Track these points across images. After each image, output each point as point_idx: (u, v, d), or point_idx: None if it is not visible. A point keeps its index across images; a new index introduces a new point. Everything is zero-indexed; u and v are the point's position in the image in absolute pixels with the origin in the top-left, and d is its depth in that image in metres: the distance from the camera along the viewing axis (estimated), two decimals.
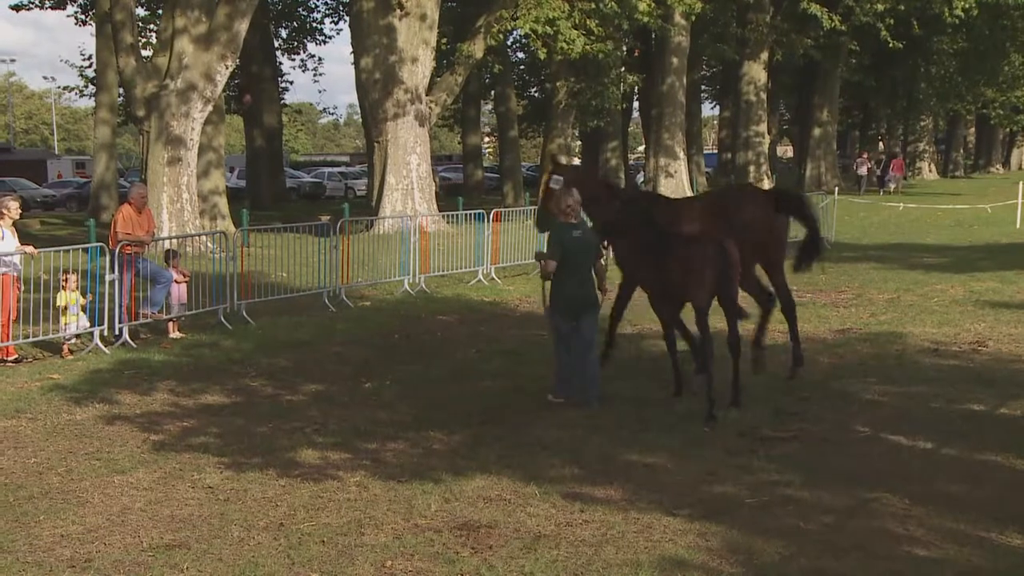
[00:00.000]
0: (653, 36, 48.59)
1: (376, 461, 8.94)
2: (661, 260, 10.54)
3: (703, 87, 68.66)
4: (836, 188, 40.16)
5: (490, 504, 7.82)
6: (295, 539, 7.17)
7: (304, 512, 7.72)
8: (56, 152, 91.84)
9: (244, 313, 16.41)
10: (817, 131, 56.46)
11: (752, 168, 51.93)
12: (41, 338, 13.90)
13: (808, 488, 8.03)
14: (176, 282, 15.33)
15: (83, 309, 14.06)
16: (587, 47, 33.63)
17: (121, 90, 35.12)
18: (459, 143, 72.37)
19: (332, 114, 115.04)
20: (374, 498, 8.00)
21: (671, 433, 9.60)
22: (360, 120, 41.54)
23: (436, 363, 12.92)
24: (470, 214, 22.05)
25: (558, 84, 45.10)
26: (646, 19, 35.62)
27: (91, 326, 14.09)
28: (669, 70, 45.72)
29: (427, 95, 32.34)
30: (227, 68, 26.21)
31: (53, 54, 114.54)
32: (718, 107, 76.52)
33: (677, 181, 44.75)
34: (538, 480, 8.28)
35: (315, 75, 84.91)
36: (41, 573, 6.63)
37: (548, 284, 10.93)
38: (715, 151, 78.18)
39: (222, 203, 31.19)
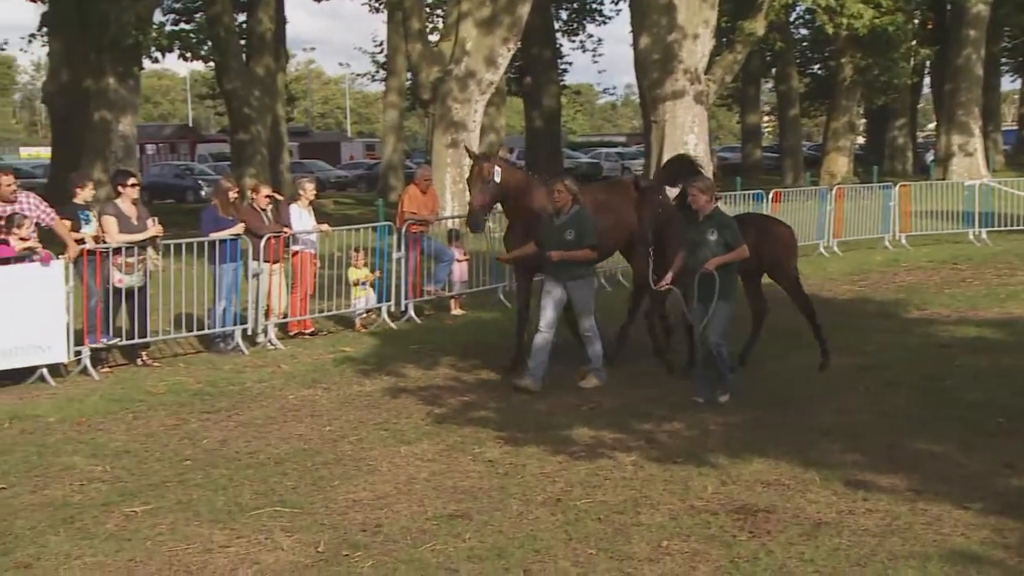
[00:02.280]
0: (948, 6, 46.21)
1: (651, 441, 8.96)
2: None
3: (1003, 59, 64.74)
4: None
5: (768, 489, 7.70)
6: (572, 515, 7.28)
7: (581, 489, 7.83)
8: (349, 135, 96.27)
9: None
10: None
11: None
12: (335, 312, 14.65)
13: None
14: (458, 260, 15.83)
15: (371, 285, 14.74)
16: (875, 20, 32.34)
17: (409, 75, 36.46)
18: (737, 123, 71.23)
19: (611, 95, 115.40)
20: (650, 478, 8.02)
21: (962, 421, 9.15)
22: (637, 100, 41.56)
23: None
24: (748, 194, 21.68)
25: (843, 60, 43.62)
26: None
27: (379, 302, 14.76)
28: (966, 42, 43.30)
29: (705, 74, 31.97)
30: (508, 51, 26.74)
31: (348, 42, 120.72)
32: (1020, 80, 72.02)
33: (972, 160, 42.43)
34: (818, 466, 8.08)
35: (594, 56, 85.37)
36: (336, 535, 7.01)
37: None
38: (1015, 127, 73.63)
39: None
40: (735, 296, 10.23)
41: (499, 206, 12.04)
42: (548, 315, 10.88)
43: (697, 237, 10.06)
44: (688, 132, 31.07)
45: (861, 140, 62.64)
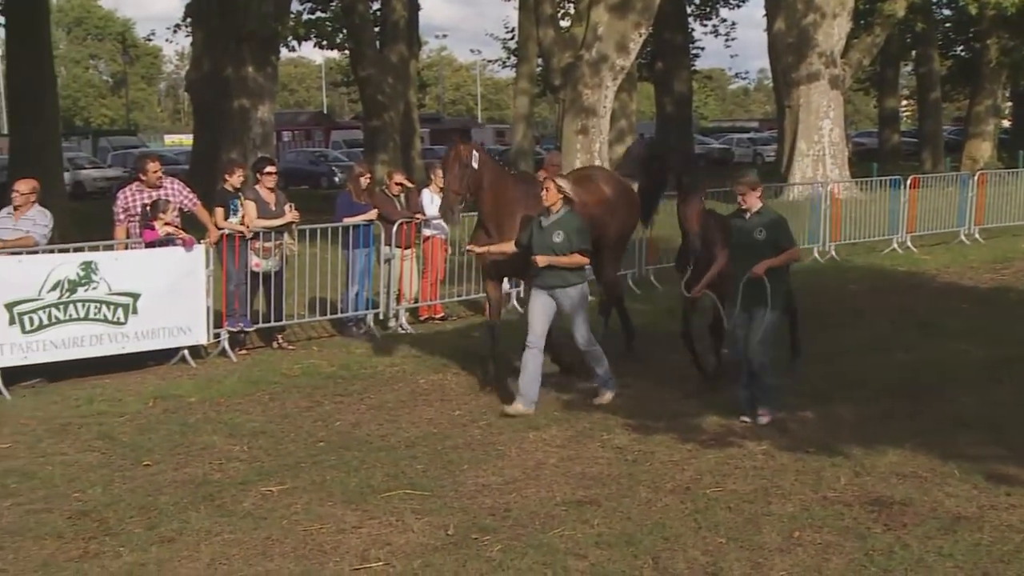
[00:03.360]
0: None
1: (782, 431, 8.83)
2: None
3: None
4: None
5: (904, 481, 7.52)
6: (701, 503, 7.22)
7: (710, 477, 7.76)
8: (479, 121, 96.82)
9: (652, 278, 16.66)
10: None
11: None
12: (465, 297, 14.75)
13: None
14: None
15: None
16: None
17: (540, 61, 36.49)
18: (874, 107, 69.48)
19: (743, 79, 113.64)
20: (781, 468, 7.91)
21: None
22: (770, 85, 40.89)
23: (846, 333, 12.54)
24: (885, 180, 21.17)
25: (988, 41, 42.19)
26: None
27: (509, 288, 14.80)
28: None
29: (842, 58, 31.31)
30: (640, 36, 26.52)
31: (480, 29, 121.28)
32: None
33: None
34: (957, 459, 7.87)
35: (727, 40, 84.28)
36: (466, 519, 7.08)
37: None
38: None
39: None
40: (785, 304, 9.34)
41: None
42: (536, 328, 9.68)
43: (743, 238, 8.98)
44: (823, 117, 30.52)
45: (1006, 124, 60.53)
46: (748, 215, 9.02)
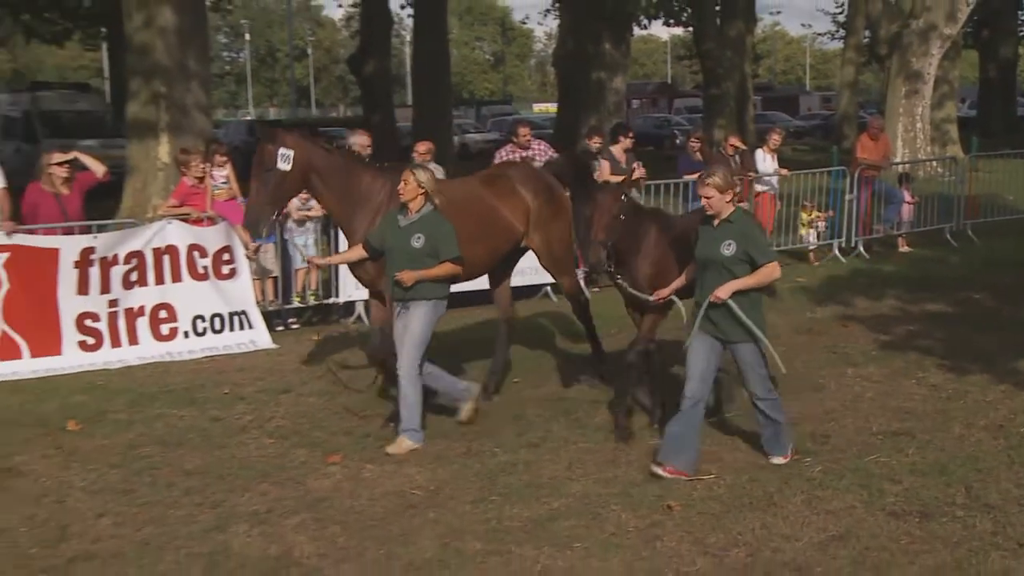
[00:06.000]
0: None
1: None
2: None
3: None
4: None
5: None
6: (1015, 440, 6.72)
7: None
8: (807, 89, 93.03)
9: (969, 232, 15.53)
10: None
11: None
12: (791, 247, 14.26)
13: None
14: (906, 203, 14.95)
15: (823, 224, 14.26)
16: None
17: (867, 32, 34.57)
18: None
19: None
20: None
21: None
22: None
23: None
24: None
25: None
26: None
27: (831, 238, 14.24)
28: None
29: None
30: (968, 6, 24.55)
31: (811, 5, 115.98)
32: None
33: None
34: None
35: None
36: None
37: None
38: None
39: (952, 130, 29.54)
40: (764, 329, 6.45)
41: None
42: (407, 351, 7.03)
43: (707, 250, 6.35)
44: None
45: None
46: (716, 222, 6.35)
